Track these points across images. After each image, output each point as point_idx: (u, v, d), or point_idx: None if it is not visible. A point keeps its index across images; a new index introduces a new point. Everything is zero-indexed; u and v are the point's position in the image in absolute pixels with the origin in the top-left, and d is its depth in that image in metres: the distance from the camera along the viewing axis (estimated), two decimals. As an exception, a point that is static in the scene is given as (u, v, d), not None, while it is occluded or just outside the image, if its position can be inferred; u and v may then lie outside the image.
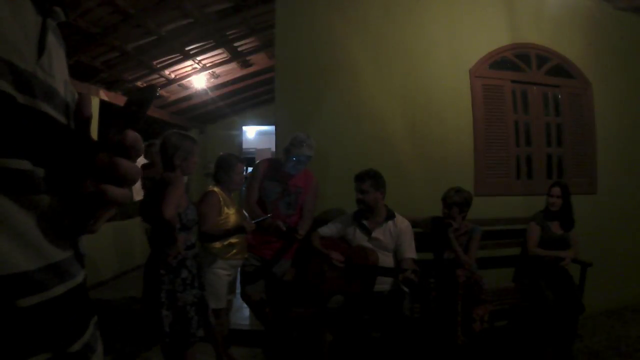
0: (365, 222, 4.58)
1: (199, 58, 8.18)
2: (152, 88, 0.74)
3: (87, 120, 0.74)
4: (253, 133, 14.98)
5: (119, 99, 8.06)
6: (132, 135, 0.69)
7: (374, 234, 4.53)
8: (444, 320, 4.31)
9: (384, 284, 4.41)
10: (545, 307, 4.72)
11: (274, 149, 6.57)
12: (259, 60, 9.21)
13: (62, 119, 0.76)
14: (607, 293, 5.99)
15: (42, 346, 0.69)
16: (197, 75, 8.89)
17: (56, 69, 0.78)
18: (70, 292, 0.75)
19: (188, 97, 10.08)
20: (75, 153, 0.70)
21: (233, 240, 4.44)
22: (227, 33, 7.57)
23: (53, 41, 0.80)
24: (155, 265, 3.70)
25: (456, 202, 4.68)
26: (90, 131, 0.73)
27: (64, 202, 0.70)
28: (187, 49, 7.66)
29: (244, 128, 14.20)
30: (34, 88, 0.71)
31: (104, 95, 7.69)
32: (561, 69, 6.34)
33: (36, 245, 0.69)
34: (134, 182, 0.71)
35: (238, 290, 5.04)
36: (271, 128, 9.49)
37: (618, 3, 6.50)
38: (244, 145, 14.31)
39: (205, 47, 7.83)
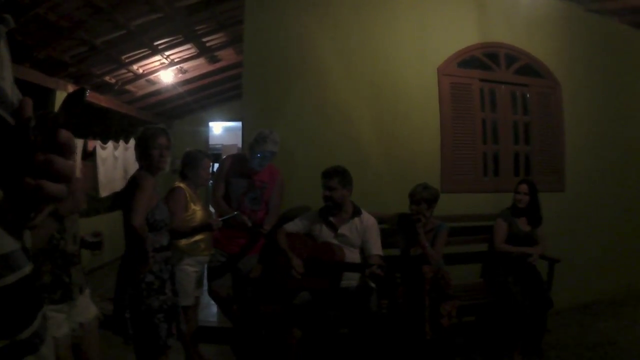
0: (331, 218, 4.57)
1: (167, 53, 8.12)
2: (81, 91, 0.80)
3: (27, 121, 0.76)
4: (220, 129, 14.92)
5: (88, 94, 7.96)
6: (65, 134, 0.72)
7: (340, 231, 4.52)
8: (412, 316, 4.32)
9: (350, 280, 4.40)
10: (513, 303, 4.76)
11: (240, 145, 6.55)
12: (227, 56, 9.18)
13: (9, 119, 0.80)
14: (575, 288, 6.08)
15: None
16: (165, 71, 8.83)
17: (6, 72, 0.84)
18: (19, 282, 0.80)
19: (156, 93, 9.99)
20: (16, 151, 0.72)
21: (199, 236, 4.41)
22: (196, 28, 7.53)
23: (3, 46, 0.85)
24: (124, 265, 3.60)
25: (424, 198, 4.69)
26: (29, 132, 0.75)
27: (7, 198, 0.73)
28: (156, 43, 7.60)
29: (211, 124, 14.19)
30: None
31: (72, 89, 7.58)
32: (530, 69, 6.41)
33: None
34: (69, 178, 0.74)
35: (205, 287, 5.01)
36: (238, 124, 9.48)
37: (589, 5, 6.59)
38: (211, 141, 14.28)
39: (174, 42, 7.77)
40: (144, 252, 3.50)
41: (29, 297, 0.84)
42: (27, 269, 0.84)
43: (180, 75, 9.30)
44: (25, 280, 0.82)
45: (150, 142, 3.68)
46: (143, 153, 3.70)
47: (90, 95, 8.16)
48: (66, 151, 0.73)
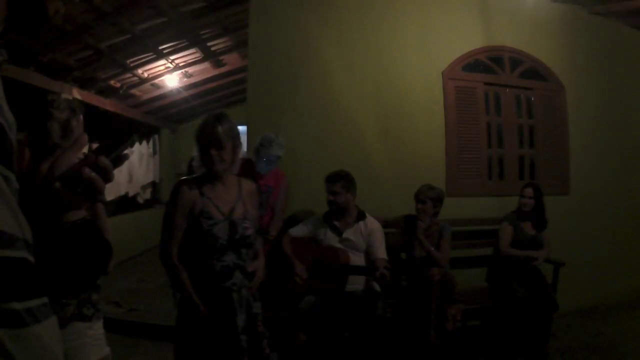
0: (336, 222, 4.56)
1: (172, 57, 8.12)
2: (127, 143, 1.07)
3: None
4: (225, 133, 14.92)
5: (92, 98, 8.00)
6: (104, 161, 1.00)
7: (345, 235, 4.50)
8: (417, 320, 4.31)
9: (356, 284, 4.39)
10: (518, 307, 4.75)
11: (245, 149, 6.54)
12: (232, 60, 9.18)
13: (8, 131, 0.92)
14: (580, 292, 6.04)
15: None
16: (170, 75, 8.83)
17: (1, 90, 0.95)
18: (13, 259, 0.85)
19: (161, 97, 10.01)
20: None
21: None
22: (201, 32, 7.52)
23: None
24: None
25: (429, 196, 4.69)
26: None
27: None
28: (161, 48, 7.60)
29: (216, 128, 14.07)
30: None
31: (77, 93, 7.59)
32: (535, 72, 6.39)
33: None
34: (101, 191, 1.00)
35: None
36: (242, 128, 9.44)
37: (593, 8, 6.56)
38: (216, 146, 14.18)
39: (179, 46, 7.77)
40: (186, 296, 2.91)
41: (26, 277, 0.87)
42: (20, 252, 0.86)
43: (185, 79, 9.29)
44: (16, 261, 0.84)
45: (197, 137, 2.98)
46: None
47: (95, 99, 8.18)
48: (105, 173, 0.99)
